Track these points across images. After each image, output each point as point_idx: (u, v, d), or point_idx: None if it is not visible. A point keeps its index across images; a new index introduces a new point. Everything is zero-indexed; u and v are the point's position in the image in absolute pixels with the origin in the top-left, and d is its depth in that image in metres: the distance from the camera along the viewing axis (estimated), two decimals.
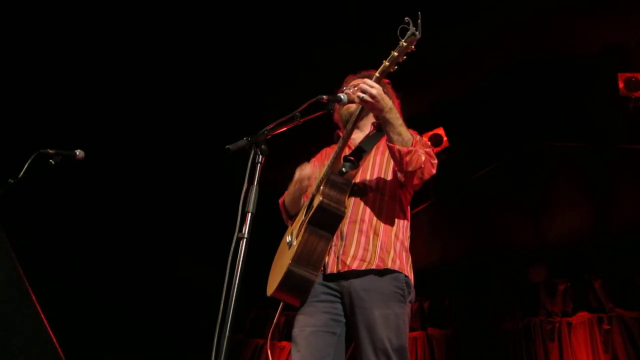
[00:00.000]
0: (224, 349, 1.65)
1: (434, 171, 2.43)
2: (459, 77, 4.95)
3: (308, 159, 2.89)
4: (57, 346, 2.14)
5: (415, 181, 2.39)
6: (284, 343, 6.63)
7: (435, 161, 2.45)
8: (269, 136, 2.02)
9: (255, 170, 1.93)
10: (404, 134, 2.32)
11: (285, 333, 6.66)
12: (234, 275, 1.74)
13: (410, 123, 2.72)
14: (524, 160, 5.53)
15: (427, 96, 5.20)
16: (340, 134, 2.74)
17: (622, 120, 4.70)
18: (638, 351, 5.11)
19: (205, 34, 4.53)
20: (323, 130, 2.79)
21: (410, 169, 2.32)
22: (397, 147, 2.30)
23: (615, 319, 5.36)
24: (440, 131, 5.35)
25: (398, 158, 2.32)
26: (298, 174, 2.55)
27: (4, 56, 4.35)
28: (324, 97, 2.24)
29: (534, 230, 6.01)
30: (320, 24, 4.42)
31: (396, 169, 2.45)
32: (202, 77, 4.90)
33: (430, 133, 5.38)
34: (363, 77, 2.67)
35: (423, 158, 2.32)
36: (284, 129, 2.10)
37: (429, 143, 2.61)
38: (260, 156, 1.95)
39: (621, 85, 4.54)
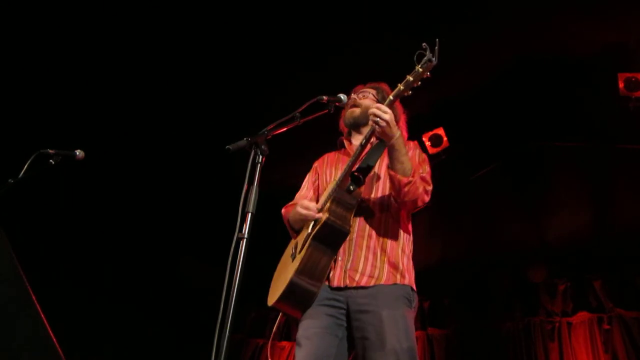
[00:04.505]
0: (224, 349, 1.65)
1: (427, 199, 2.45)
2: (459, 77, 4.94)
3: (308, 160, 2.89)
4: (57, 346, 2.14)
5: (409, 206, 2.46)
6: (284, 343, 6.63)
7: (430, 187, 2.46)
8: (269, 136, 2.03)
9: (256, 170, 1.93)
10: (406, 164, 2.35)
11: (285, 333, 6.66)
12: (234, 275, 1.74)
13: (410, 123, 2.72)
14: (524, 160, 5.52)
15: (427, 96, 5.19)
16: (345, 141, 2.75)
17: (622, 120, 4.70)
18: (638, 351, 5.09)
19: (206, 34, 4.53)
20: (322, 131, 2.79)
21: (406, 199, 2.37)
22: (398, 176, 2.34)
23: (615, 319, 5.35)
24: (440, 131, 5.36)
25: (397, 187, 2.36)
26: (300, 206, 2.45)
27: (4, 56, 4.35)
28: (324, 97, 2.25)
29: (534, 230, 6.00)
30: (321, 24, 4.42)
31: (393, 194, 2.46)
32: (203, 78, 4.90)
33: (430, 133, 5.38)
34: (373, 88, 2.72)
35: (420, 190, 2.37)
36: (284, 129, 2.11)
37: (427, 159, 2.62)
38: (260, 156, 1.95)
39: (621, 85, 4.55)
